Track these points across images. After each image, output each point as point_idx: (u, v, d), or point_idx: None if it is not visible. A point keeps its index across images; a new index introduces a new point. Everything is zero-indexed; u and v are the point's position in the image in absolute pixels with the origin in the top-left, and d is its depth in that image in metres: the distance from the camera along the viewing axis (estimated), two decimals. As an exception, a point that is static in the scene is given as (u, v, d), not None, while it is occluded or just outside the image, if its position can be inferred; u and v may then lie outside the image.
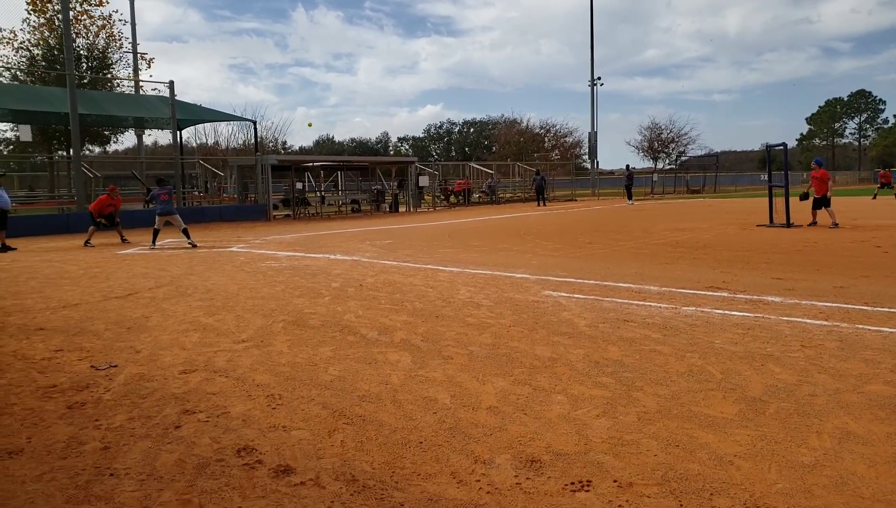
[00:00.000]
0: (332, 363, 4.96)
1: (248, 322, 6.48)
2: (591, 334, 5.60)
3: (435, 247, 13.34)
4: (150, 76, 33.78)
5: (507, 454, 3.24)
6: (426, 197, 34.84)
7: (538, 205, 33.08)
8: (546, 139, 67.98)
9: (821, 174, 16.22)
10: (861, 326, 5.62)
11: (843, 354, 4.79)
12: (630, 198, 33.73)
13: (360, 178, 33.46)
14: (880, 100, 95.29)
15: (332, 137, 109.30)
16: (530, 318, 6.27)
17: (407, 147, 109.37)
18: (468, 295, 7.53)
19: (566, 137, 67.81)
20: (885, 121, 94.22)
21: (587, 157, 55.22)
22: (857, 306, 6.41)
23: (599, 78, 50.00)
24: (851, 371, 4.37)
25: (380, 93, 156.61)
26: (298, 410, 3.95)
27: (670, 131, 60.15)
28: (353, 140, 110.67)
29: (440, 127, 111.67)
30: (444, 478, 2.98)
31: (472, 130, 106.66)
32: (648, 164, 61.20)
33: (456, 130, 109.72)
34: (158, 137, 48.09)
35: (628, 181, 34.36)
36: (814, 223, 16.05)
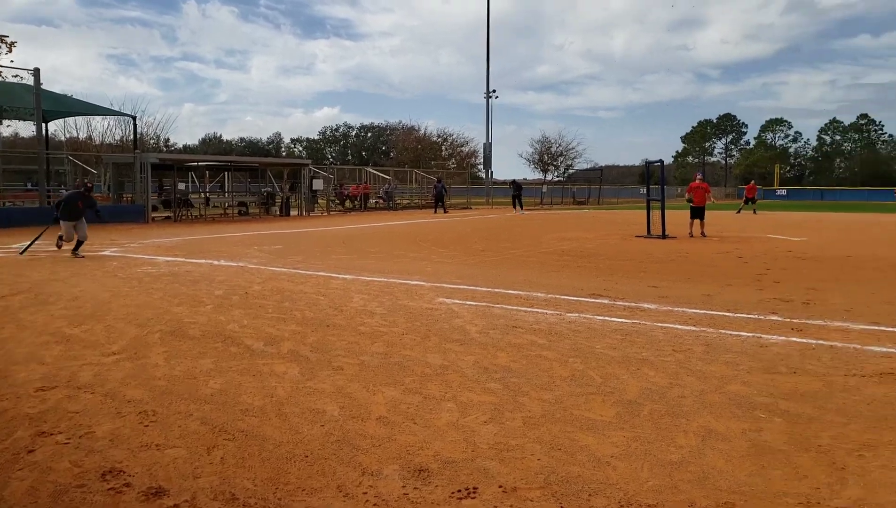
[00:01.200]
0: (212, 375, 4.75)
1: (120, 333, 6.09)
2: (481, 340, 5.72)
3: (328, 253, 13.14)
4: (11, 61, 30.72)
5: (396, 464, 3.24)
6: (320, 201, 34.19)
7: (434, 212, 33.35)
8: (443, 148, 68.79)
9: (703, 185, 17.60)
10: (724, 331, 6.09)
11: (708, 357, 5.17)
12: (520, 208, 34.56)
13: (250, 179, 32.36)
14: (743, 123, 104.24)
15: (220, 136, 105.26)
16: (423, 325, 6.31)
17: (301, 149, 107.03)
18: (361, 303, 7.47)
19: (463, 146, 68.98)
20: (747, 142, 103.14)
21: (482, 166, 56.43)
22: (721, 313, 6.94)
23: (495, 91, 51.32)
24: (715, 373, 4.72)
25: (274, 92, 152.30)
26: (174, 427, 3.75)
27: (559, 145, 62.55)
28: (242, 140, 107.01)
29: (337, 130, 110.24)
30: (330, 492, 2.94)
31: (369, 134, 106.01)
32: (539, 176, 63.32)
33: (353, 133, 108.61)
34: (20, 128, 44.20)
35: (516, 192, 35.12)
36: (692, 235, 17.24)
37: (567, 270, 10.64)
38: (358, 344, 5.62)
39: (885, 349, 5.41)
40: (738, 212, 31.86)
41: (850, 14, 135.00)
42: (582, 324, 6.38)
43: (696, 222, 17.47)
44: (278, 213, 30.00)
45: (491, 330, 6.10)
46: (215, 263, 11.35)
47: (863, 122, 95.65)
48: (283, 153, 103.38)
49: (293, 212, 30.92)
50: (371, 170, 41.06)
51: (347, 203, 35.65)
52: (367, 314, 6.84)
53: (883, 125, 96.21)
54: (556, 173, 62.61)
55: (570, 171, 63.05)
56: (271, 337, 5.89)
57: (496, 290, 8.36)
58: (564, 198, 51.35)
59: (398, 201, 38.47)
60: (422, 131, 70.30)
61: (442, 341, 5.71)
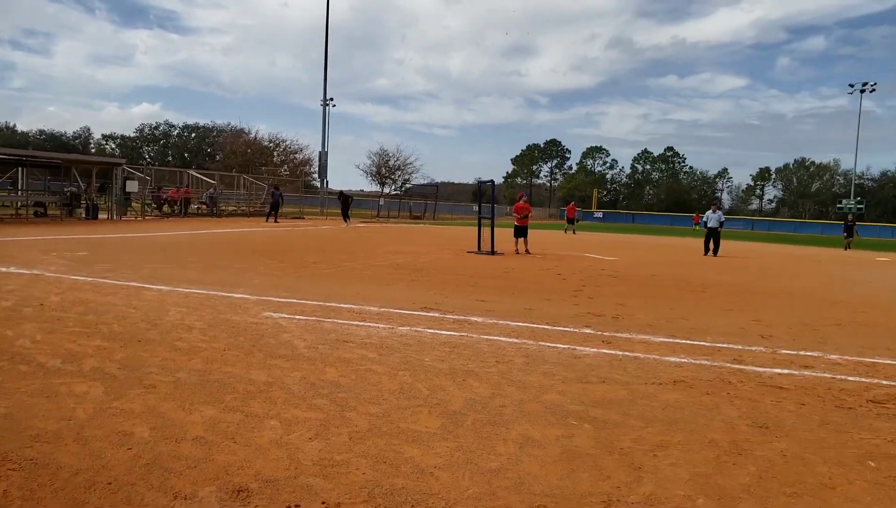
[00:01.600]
0: None
1: None
2: (309, 355, 5.58)
3: (142, 262, 12.14)
4: None
5: (213, 485, 3.05)
6: (134, 204, 31.51)
7: (267, 221, 31.94)
8: (276, 153, 66.77)
9: (526, 206, 18.72)
10: (543, 343, 6.49)
11: (528, 368, 5.47)
12: (347, 220, 33.69)
13: (50, 177, 29.02)
14: (567, 149, 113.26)
15: (14, 127, 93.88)
16: (248, 341, 6.03)
17: (114, 147, 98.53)
18: (179, 317, 6.99)
19: (297, 153, 67.44)
20: (570, 167, 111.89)
21: (317, 175, 55.42)
22: (541, 326, 7.39)
23: (332, 99, 50.91)
24: (533, 383, 5.01)
25: (83, 82, 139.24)
26: (-53, 457, 3.25)
27: (397, 159, 63.46)
28: (42, 132, 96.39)
29: (157, 128, 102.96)
30: (136, 521, 2.70)
31: (194, 135, 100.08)
32: (376, 188, 63.71)
33: (175, 133, 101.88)
34: None
35: (344, 204, 34.21)
36: (518, 252, 18.22)
37: (401, 283, 10.76)
38: (174, 361, 5.24)
39: (679, 360, 6.06)
40: (566, 232, 34.27)
41: (661, 56, 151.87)
42: (413, 337, 6.47)
43: (521, 240, 18.54)
44: (84, 216, 27.25)
45: (320, 345, 5.99)
46: (3, 270, 10.03)
47: (669, 153, 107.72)
48: (93, 150, 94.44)
49: (102, 215, 28.23)
50: (194, 173, 38.68)
51: (166, 208, 33.17)
52: (185, 329, 6.41)
53: (685, 158, 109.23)
54: (393, 187, 63.32)
55: (408, 185, 64.16)
56: (71, 354, 5.31)
57: (328, 304, 8.24)
58: (401, 212, 52.12)
59: (223, 208, 36.50)
60: (253, 135, 67.82)
61: (267, 356, 5.50)
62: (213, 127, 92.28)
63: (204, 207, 34.90)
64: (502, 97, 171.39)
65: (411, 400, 4.48)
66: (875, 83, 67.20)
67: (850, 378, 5.63)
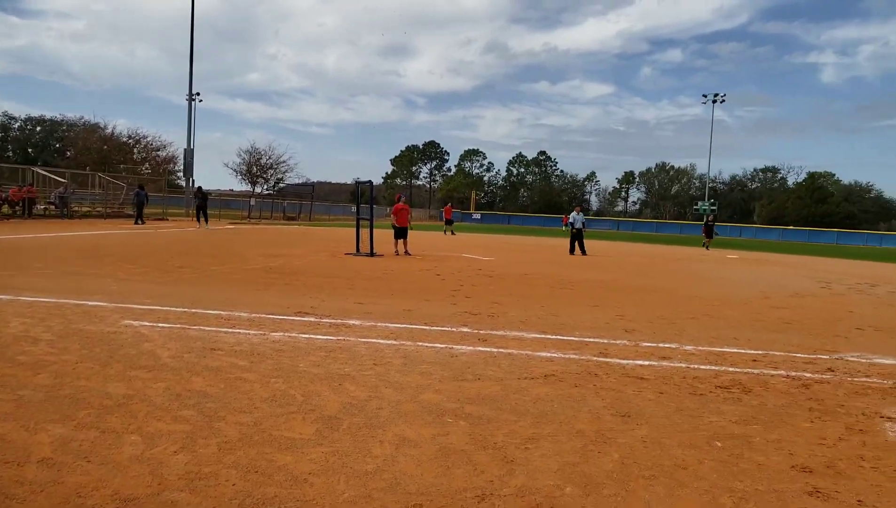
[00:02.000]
0: None
1: None
2: (174, 365, 5.27)
3: (-17, 269, 10.97)
4: None
5: (60, 511, 2.80)
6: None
7: (136, 223, 29.64)
8: (136, 150, 62.44)
9: (405, 207, 18.79)
10: (421, 343, 6.53)
11: (405, 369, 5.47)
12: (205, 221, 31.52)
13: None
14: (446, 151, 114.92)
15: None
16: (104, 352, 5.59)
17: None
18: (22, 328, 6.35)
19: (159, 150, 63.46)
20: (449, 169, 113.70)
21: (182, 174, 52.47)
22: (419, 326, 7.44)
23: (199, 94, 48.63)
24: (410, 384, 5.02)
25: None
26: None
27: (269, 157, 61.30)
28: None
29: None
30: (-33, 557, 2.42)
31: (39, 128, 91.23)
32: (247, 187, 61.32)
33: (16, 126, 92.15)
34: None
35: (201, 202, 31.83)
36: (398, 253, 18.24)
37: (274, 287, 10.43)
38: (15, 377, 4.76)
39: (549, 355, 6.31)
40: (445, 233, 34.72)
41: (534, 62, 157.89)
42: (287, 343, 6.29)
43: (401, 241, 18.60)
44: None
45: (186, 354, 5.67)
46: None
47: (542, 157, 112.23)
48: None
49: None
50: (40, 170, 35.18)
51: (6, 208, 29.95)
52: (30, 341, 5.83)
53: (557, 162, 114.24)
54: (265, 187, 61.14)
55: (281, 184, 62.16)
56: None
57: (194, 310, 7.82)
58: (274, 212, 50.60)
59: (76, 209, 33.54)
60: (109, 130, 62.96)
61: (127, 368, 5.13)
62: (63, 120, 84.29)
63: (53, 207, 31.81)
64: (380, 97, 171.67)
65: (284, 407, 4.35)
66: (724, 94, 74.20)
67: (702, 367, 6.12)
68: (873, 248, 57.50)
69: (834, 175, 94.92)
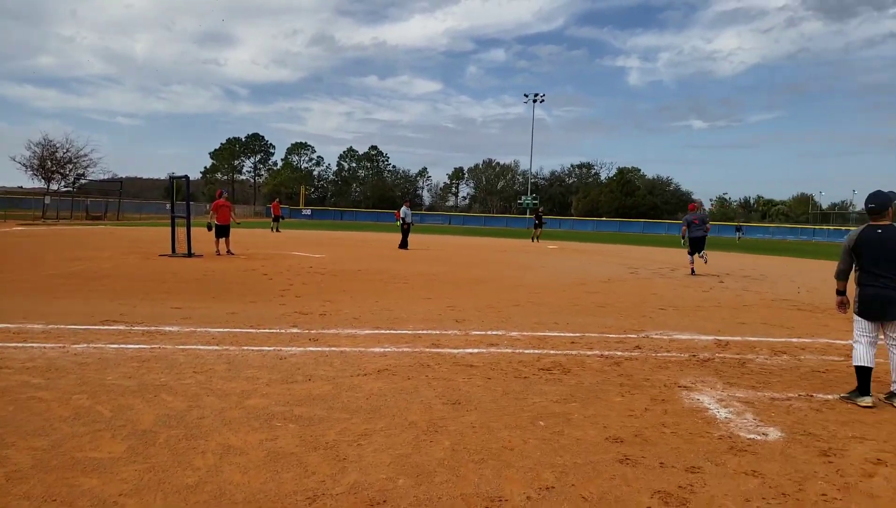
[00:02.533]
0: None
1: None
2: (-52, 388, 4.54)
3: None
4: None
5: None
6: None
7: None
8: None
9: (226, 204, 17.77)
10: (247, 347, 6.22)
11: (229, 375, 5.17)
12: None
13: None
14: (271, 144, 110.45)
15: None
16: None
17: None
18: None
19: None
20: (275, 163, 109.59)
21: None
22: (245, 330, 7.08)
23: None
24: (235, 390, 4.75)
25: None
26: None
27: (67, 151, 54.83)
28: None
29: None
30: None
31: None
32: (41, 184, 54.54)
33: None
34: None
35: None
36: (219, 253, 17.25)
37: (76, 295, 9.40)
38: None
39: (383, 349, 6.30)
40: (273, 231, 33.50)
41: (363, 56, 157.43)
42: (91, 355, 5.68)
43: (223, 240, 17.63)
44: None
45: (-34, 373, 4.92)
46: None
47: (373, 152, 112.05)
48: None
49: None
50: None
51: None
52: None
53: (388, 157, 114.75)
54: (63, 183, 54.74)
55: (83, 181, 55.98)
56: None
57: (-22, 323, 6.83)
58: (75, 212, 45.83)
59: None
60: None
61: None
62: None
63: None
64: (197, 86, 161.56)
65: (90, 426, 3.91)
66: (544, 95, 79.14)
67: (527, 351, 6.45)
68: (673, 236, 64.60)
69: (640, 170, 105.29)
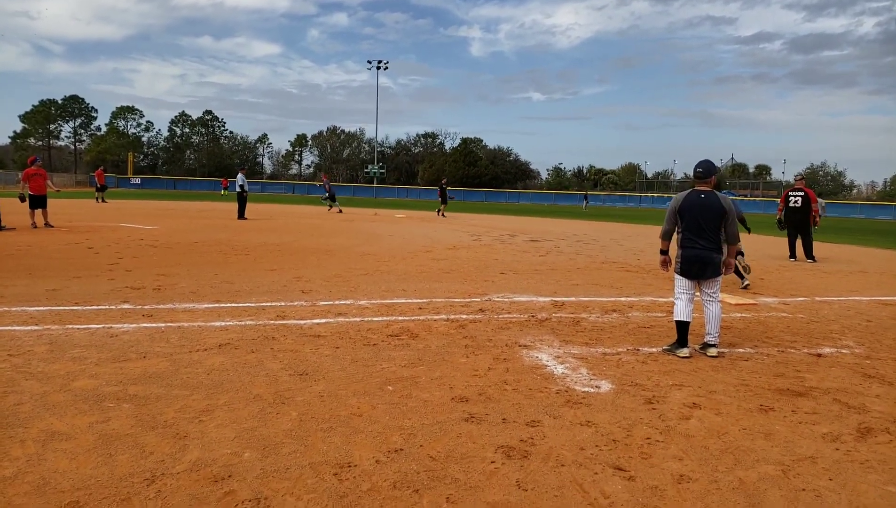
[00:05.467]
0: None
1: None
2: None
3: None
4: None
5: None
6: None
7: None
8: None
9: (41, 172, 16.03)
10: (71, 326, 5.74)
11: (52, 356, 4.77)
12: None
13: None
14: (93, 107, 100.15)
15: None
16: None
17: None
18: None
19: None
20: (98, 128, 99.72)
21: None
22: (69, 307, 6.52)
23: None
24: (59, 372, 4.40)
25: None
26: None
27: None
28: None
29: None
30: None
31: None
32: None
33: None
34: None
35: None
36: (35, 225, 15.58)
37: None
38: None
39: (223, 324, 6.09)
40: (97, 201, 30.71)
41: (197, 14, 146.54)
42: None
43: (38, 211, 15.94)
44: None
45: None
46: None
47: (208, 117, 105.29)
48: None
49: None
50: None
51: None
52: None
53: (225, 122, 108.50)
54: None
55: None
56: None
57: None
58: None
59: None
60: None
61: None
62: None
63: None
64: (4, 42, 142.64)
65: None
66: (388, 62, 78.76)
67: (376, 319, 6.54)
68: (514, 204, 67.62)
69: (482, 141, 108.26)
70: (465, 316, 6.85)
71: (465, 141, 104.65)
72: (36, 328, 5.62)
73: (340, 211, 30.81)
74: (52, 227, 15.75)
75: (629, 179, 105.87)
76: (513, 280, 9.64)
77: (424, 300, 7.67)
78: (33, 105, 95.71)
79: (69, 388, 4.08)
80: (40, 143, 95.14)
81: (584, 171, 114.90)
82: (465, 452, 3.38)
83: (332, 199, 31.72)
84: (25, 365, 4.52)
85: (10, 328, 5.58)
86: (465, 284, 9.12)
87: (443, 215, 30.69)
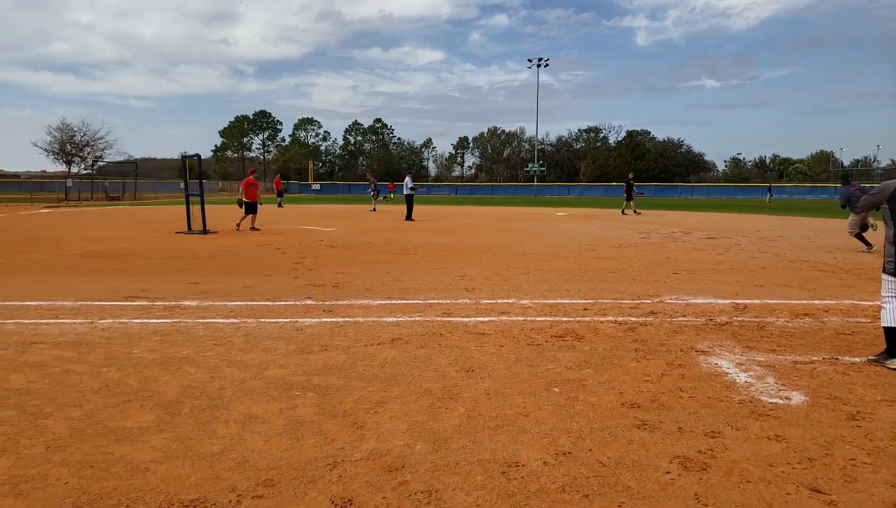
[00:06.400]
0: None
1: None
2: (-17, 365, 4.74)
3: None
4: None
5: None
6: None
7: None
8: None
9: (254, 182, 18.05)
10: (263, 319, 6.38)
11: (248, 346, 5.34)
12: None
13: None
14: (278, 120, 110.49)
15: None
16: None
17: None
18: None
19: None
20: (283, 139, 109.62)
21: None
22: (261, 303, 7.26)
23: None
24: (254, 361, 4.92)
25: None
26: None
27: (84, 134, 55.33)
28: None
29: None
30: None
31: None
32: (62, 168, 55.25)
33: None
34: None
35: None
36: (239, 228, 17.60)
37: (99, 273, 9.62)
38: None
39: (395, 319, 6.44)
40: (280, 206, 33.76)
41: (367, 28, 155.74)
42: (117, 330, 5.87)
43: (250, 216, 18.02)
44: None
45: (1, 350, 5.13)
46: None
47: (378, 125, 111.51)
48: None
49: None
50: None
51: None
52: None
53: (393, 129, 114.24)
54: (83, 166, 55.50)
55: (101, 163, 56.71)
56: None
57: (8, 303, 7.06)
58: (95, 193, 46.26)
59: None
60: None
61: (-75, 372, 4.54)
62: None
63: None
64: (204, 66, 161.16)
65: (119, 397, 4.09)
66: (548, 59, 78.35)
67: (538, 319, 6.55)
68: (685, 199, 63.87)
69: (650, 133, 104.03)
70: (634, 318, 6.61)
71: (630, 134, 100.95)
72: (234, 320, 6.32)
73: (374, 209, 32.18)
74: (258, 230, 17.61)
75: (821, 169, 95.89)
76: (687, 281, 9.16)
77: (590, 301, 7.54)
78: (230, 121, 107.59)
79: (262, 376, 4.56)
80: (236, 155, 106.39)
81: (767, 161, 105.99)
82: (636, 460, 3.26)
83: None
84: (227, 354, 5.12)
85: (214, 320, 6.33)
86: (633, 284, 8.82)
87: (636, 212, 28.81)
